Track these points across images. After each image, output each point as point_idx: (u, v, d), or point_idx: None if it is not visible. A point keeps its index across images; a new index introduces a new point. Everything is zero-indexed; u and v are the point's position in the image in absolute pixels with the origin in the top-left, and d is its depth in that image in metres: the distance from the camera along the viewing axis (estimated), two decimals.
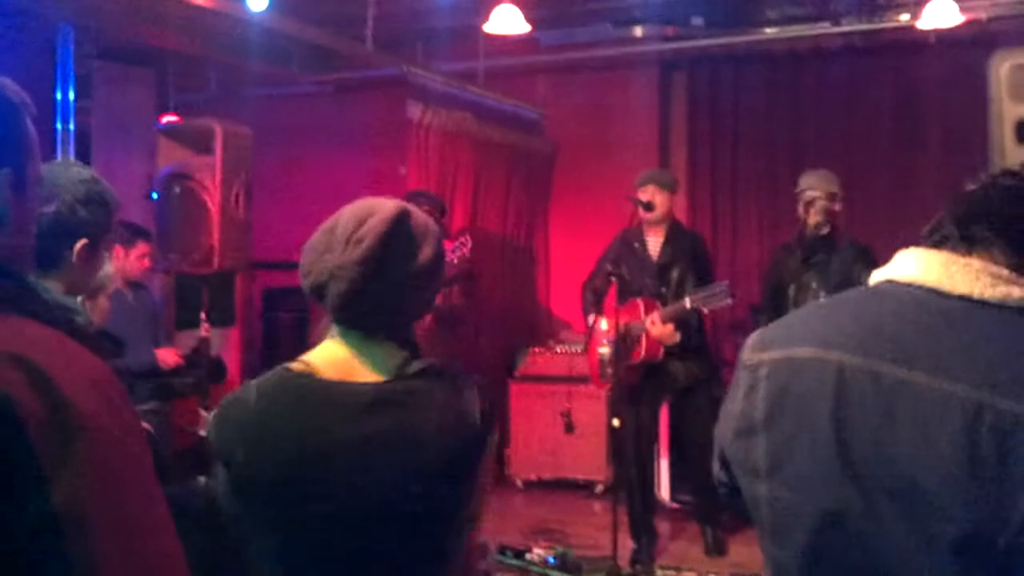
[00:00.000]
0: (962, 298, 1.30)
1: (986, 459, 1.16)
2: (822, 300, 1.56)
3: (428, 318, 5.56)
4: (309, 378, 1.72)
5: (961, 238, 1.35)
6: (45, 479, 0.99)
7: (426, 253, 1.76)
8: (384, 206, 1.75)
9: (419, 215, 1.80)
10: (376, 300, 1.72)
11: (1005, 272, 1.31)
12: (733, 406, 1.48)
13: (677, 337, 5.01)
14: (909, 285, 1.35)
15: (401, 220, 1.73)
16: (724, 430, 1.51)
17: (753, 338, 1.50)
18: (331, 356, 1.75)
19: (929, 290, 1.33)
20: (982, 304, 1.29)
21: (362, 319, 1.74)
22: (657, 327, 4.98)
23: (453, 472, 1.73)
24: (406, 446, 1.69)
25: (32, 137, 1.21)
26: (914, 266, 1.37)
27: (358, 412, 1.69)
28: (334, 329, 1.77)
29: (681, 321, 5.01)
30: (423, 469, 1.69)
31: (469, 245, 5.61)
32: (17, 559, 0.99)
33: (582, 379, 6.38)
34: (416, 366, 1.75)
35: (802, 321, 1.50)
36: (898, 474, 1.23)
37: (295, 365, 1.74)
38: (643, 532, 5.24)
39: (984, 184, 1.39)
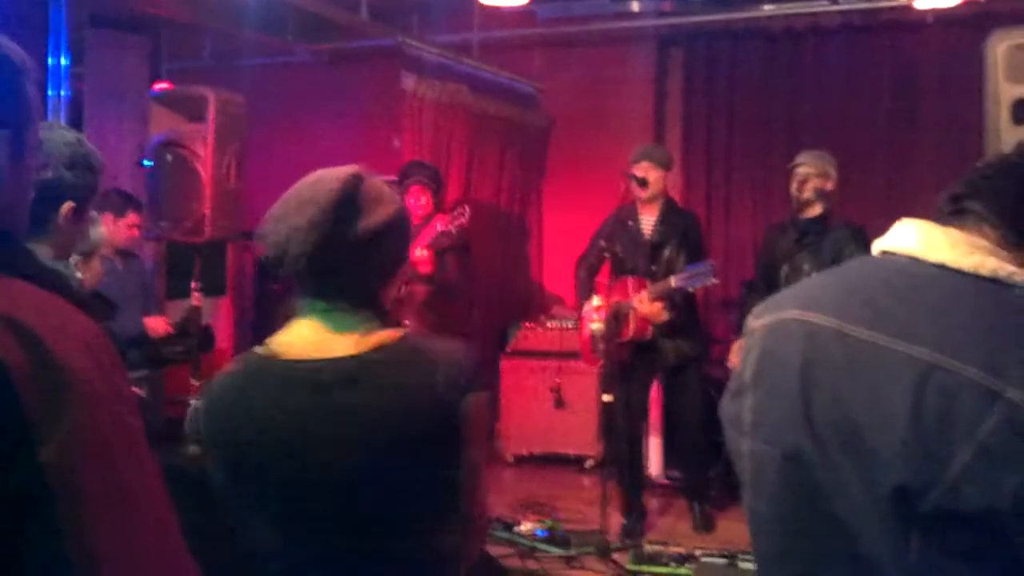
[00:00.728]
0: (937, 265, 1.33)
1: (928, 417, 1.20)
2: (828, 270, 1.59)
3: (422, 289, 5.61)
4: (271, 361, 1.74)
5: (953, 212, 1.38)
6: (34, 440, 0.99)
7: (381, 214, 1.75)
8: (339, 171, 1.77)
9: (376, 182, 1.80)
10: (334, 261, 1.72)
11: (985, 243, 1.33)
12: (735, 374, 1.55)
13: (666, 316, 5.01)
14: (894, 253, 1.40)
15: (354, 183, 1.74)
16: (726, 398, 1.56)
17: (756, 307, 1.55)
18: (295, 335, 1.76)
19: (910, 258, 1.37)
20: (956, 273, 1.32)
21: (323, 285, 1.75)
22: (645, 305, 4.99)
23: (422, 444, 1.71)
24: (370, 421, 1.68)
25: (32, 100, 1.19)
26: (901, 236, 1.41)
27: (321, 390, 1.69)
28: (300, 305, 1.78)
29: (670, 300, 5.01)
30: (390, 443, 1.68)
31: (468, 215, 5.59)
32: (6, 520, 0.98)
33: (573, 354, 6.38)
34: (382, 336, 1.74)
35: (797, 288, 1.57)
36: (850, 426, 1.28)
37: (259, 349, 1.77)
38: (632, 507, 5.27)
39: (990, 162, 1.42)
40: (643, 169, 5.15)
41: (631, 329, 5.07)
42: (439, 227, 5.54)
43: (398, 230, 1.81)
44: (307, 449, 1.68)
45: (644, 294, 5.00)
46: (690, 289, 4.86)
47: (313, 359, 1.72)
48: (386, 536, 1.72)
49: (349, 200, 1.72)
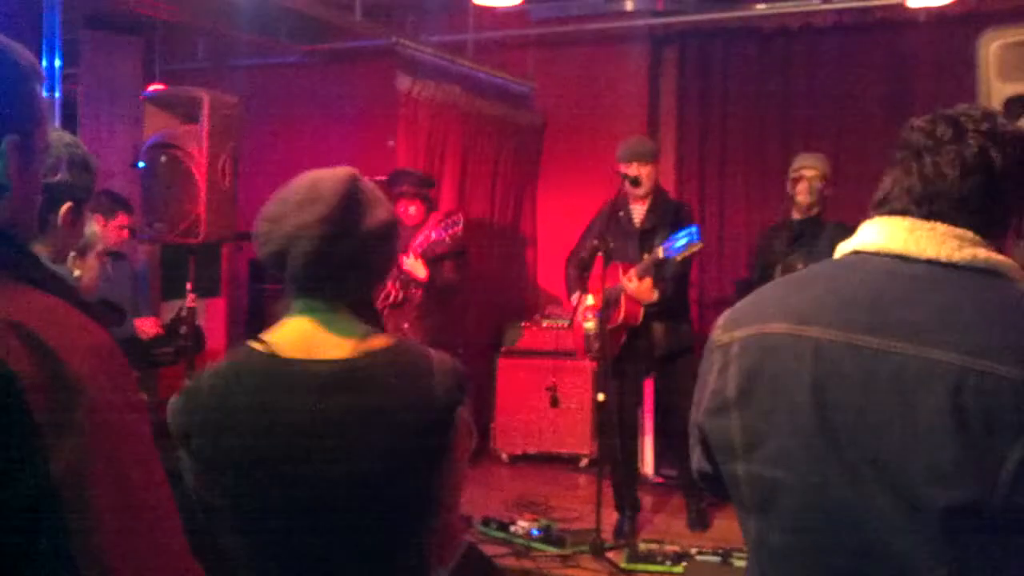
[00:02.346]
0: (930, 262, 1.31)
1: (972, 423, 1.17)
2: (788, 276, 1.53)
3: (418, 294, 5.61)
4: (270, 357, 1.71)
5: (922, 215, 1.36)
6: (43, 447, 0.99)
7: (380, 215, 1.76)
8: (335, 171, 1.76)
9: (367, 183, 1.80)
10: (340, 260, 1.71)
11: (969, 234, 1.32)
12: (705, 389, 1.49)
13: (656, 294, 5.00)
14: (876, 254, 1.36)
15: (355, 181, 1.74)
16: (697, 414, 1.51)
17: (723, 318, 1.49)
18: (291, 333, 1.74)
19: (896, 257, 1.34)
20: (950, 267, 1.30)
21: (325, 284, 1.73)
22: (633, 282, 4.97)
23: (414, 452, 1.69)
24: (363, 426, 1.66)
25: (41, 103, 1.19)
26: (879, 235, 1.38)
27: (316, 391, 1.66)
28: (294, 305, 1.76)
29: (659, 275, 5.00)
30: (381, 449, 1.66)
31: (461, 224, 5.61)
32: (16, 526, 0.99)
33: (568, 354, 6.39)
34: (378, 341, 1.73)
35: (772, 298, 1.48)
36: (882, 444, 1.23)
37: (256, 344, 1.73)
38: (626, 505, 5.27)
39: (923, 161, 1.39)
40: (634, 169, 5.17)
41: (621, 313, 5.08)
42: (433, 235, 5.55)
43: (395, 231, 1.82)
44: (294, 449, 1.65)
45: (632, 272, 4.99)
46: (678, 257, 4.83)
47: (309, 359, 1.70)
48: (362, 543, 1.70)
49: (354, 199, 1.72)
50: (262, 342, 1.73)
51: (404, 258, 5.53)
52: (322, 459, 1.65)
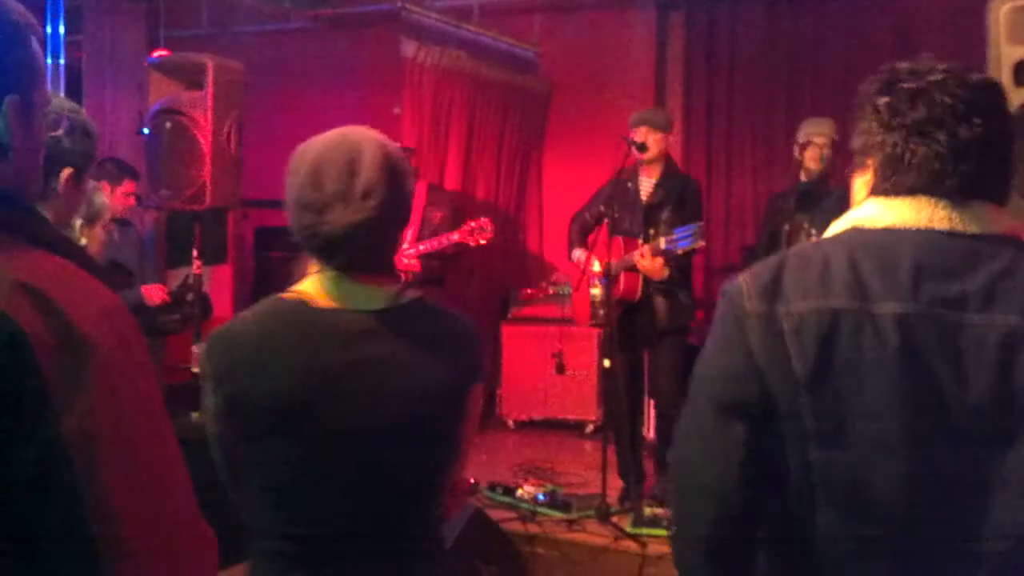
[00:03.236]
0: (973, 236, 1.33)
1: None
2: (813, 245, 1.46)
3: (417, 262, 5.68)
4: (304, 305, 1.72)
5: (933, 194, 1.37)
6: (54, 406, 0.99)
7: (409, 185, 1.78)
8: (364, 150, 1.73)
9: (394, 149, 1.80)
10: (384, 242, 1.75)
11: (993, 207, 1.35)
12: (733, 357, 1.39)
13: (667, 272, 4.98)
14: (916, 230, 1.35)
15: (388, 163, 1.73)
16: (714, 387, 1.42)
17: (751, 285, 1.40)
18: (323, 288, 1.74)
19: (940, 232, 1.34)
20: (989, 238, 1.32)
21: (364, 262, 1.74)
22: (647, 259, 4.93)
23: (445, 398, 1.76)
24: (401, 371, 1.71)
25: (39, 60, 1.18)
26: (905, 213, 1.37)
27: (356, 337, 1.70)
28: (324, 268, 1.75)
29: (672, 257, 4.99)
30: (417, 394, 1.72)
31: (490, 232, 5.66)
32: (27, 487, 0.99)
33: (574, 320, 6.40)
34: (409, 295, 1.78)
35: (812, 270, 1.39)
36: (983, 413, 1.24)
37: (287, 295, 1.75)
38: (631, 471, 5.28)
39: (908, 141, 1.38)
40: (642, 134, 5.12)
41: (620, 288, 5.06)
42: (456, 237, 5.62)
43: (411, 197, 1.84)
44: (328, 393, 1.67)
45: (646, 249, 4.93)
46: (678, 252, 4.82)
47: (343, 308, 1.72)
48: (388, 489, 1.74)
49: (395, 185, 1.73)
50: (294, 292, 1.74)
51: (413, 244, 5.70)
52: (354, 404, 1.68)
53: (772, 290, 1.37)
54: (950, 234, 1.33)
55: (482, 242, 5.66)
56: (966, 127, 1.34)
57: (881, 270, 1.32)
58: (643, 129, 5.14)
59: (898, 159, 1.39)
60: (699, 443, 1.42)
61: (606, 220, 5.07)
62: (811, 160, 5.08)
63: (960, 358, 1.25)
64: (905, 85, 1.39)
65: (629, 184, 5.23)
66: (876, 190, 1.42)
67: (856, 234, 1.41)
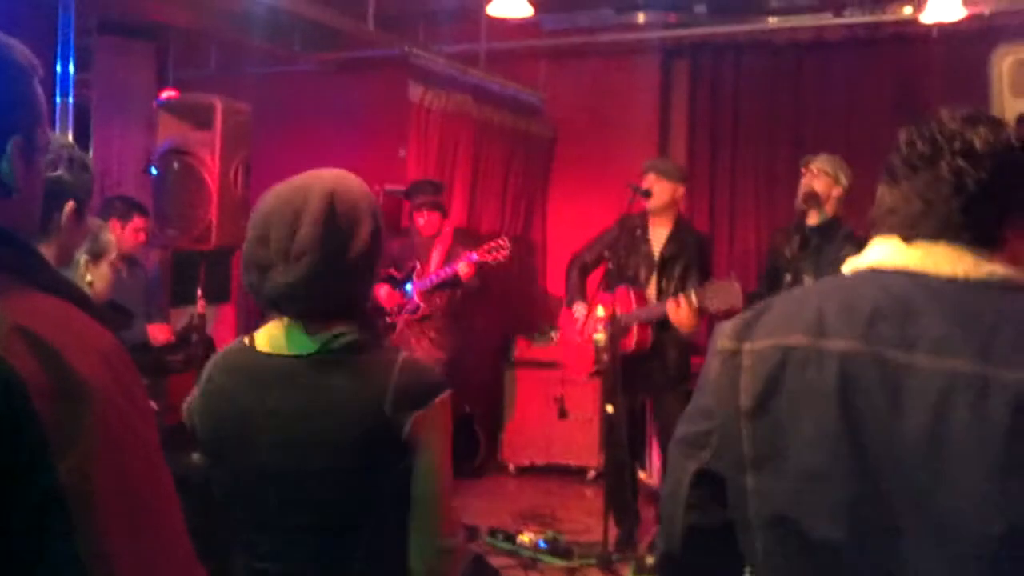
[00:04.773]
0: (949, 280, 1.31)
1: (996, 435, 1.16)
2: (802, 288, 1.50)
3: (442, 305, 5.82)
4: (248, 349, 1.83)
5: (927, 236, 1.36)
6: (51, 453, 0.98)
7: (361, 237, 1.78)
8: (309, 203, 1.75)
9: (346, 196, 1.79)
10: (323, 295, 1.77)
11: (985, 251, 1.32)
12: (704, 398, 1.44)
13: (696, 322, 4.86)
14: (894, 271, 1.35)
15: (330, 217, 1.75)
16: (692, 427, 1.46)
17: (731, 325, 1.45)
18: (273, 329, 1.83)
19: (915, 274, 1.33)
20: (969, 284, 1.30)
21: (310, 314, 1.79)
22: (684, 309, 4.75)
23: (363, 436, 1.73)
24: (305, 420, 1.75)
25: (41, 102, 1.19)
26: (894, 253, 1.37)
27: (272, 384, 1.77)
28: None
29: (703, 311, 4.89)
30: (320, 445, 1.74)
31: (507, 250, 5.74)
32: (23, 533, 0.98)
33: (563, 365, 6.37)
34: (340, 342, 1.77)
35: (787, 310, 1.43)
36: (911, 462, 1.21)
37: (246, 338, 1.86)
38: (626, 518, 5.21)
39: (911, 181, 1.39)
40: (649, 181, 5.13)
41: (633, 340, 5.03)
42: (475, 257, 5.68)
43: (376, 247, 1.82)
44: (251, 438, 1.78)
45: (683, 298, 4.79)
46: (711, 309, 4.71)
47: (276, 353, 1.80)
48: (308, 540, 1.77)
49: (330, 240, 1.74)
50: (249, 336, 1.86)
51: (424, 268, 5.77)
52: (263, 446, 1.76)
53: (745, 330, 1.42)
54: (923, 276, 1.32)
55: (500, 259, 5.70)
56: (970, 170, 1.34)
57: (844, 310, 1.34)
58: (651, 176, 5.14)
59: (894, 200, 1.40)
60: (667, 476, 1.51)
61: (604, 263, 5.07)
62: (802, 186, 4.97)
63: (899, 397, 1.24)
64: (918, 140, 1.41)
65: (638, 232, 5.21)
66: (876, 230, 1.43)
67: (842, 276, 1.44)
